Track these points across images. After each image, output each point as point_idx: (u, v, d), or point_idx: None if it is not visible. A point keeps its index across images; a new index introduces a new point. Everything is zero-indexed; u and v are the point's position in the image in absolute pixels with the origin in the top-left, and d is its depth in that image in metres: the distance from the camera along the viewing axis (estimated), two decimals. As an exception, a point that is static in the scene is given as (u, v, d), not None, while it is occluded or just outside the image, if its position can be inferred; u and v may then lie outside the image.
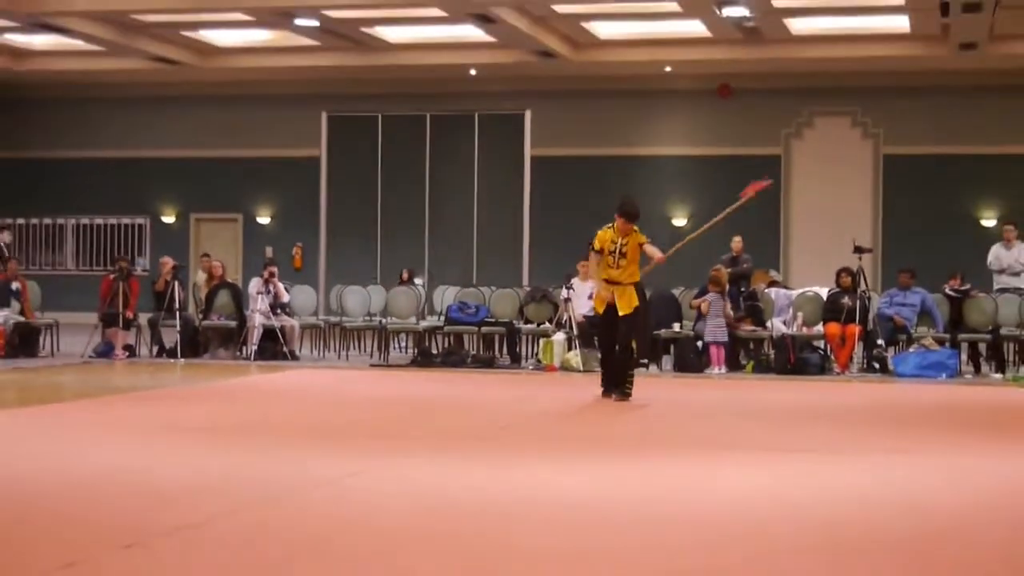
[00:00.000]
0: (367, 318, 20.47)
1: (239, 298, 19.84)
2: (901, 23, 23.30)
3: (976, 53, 23.58)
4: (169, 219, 29.48)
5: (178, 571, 5.68)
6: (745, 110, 26.78)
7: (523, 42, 24.05)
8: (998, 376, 17.38)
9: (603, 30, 24.62)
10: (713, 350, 17.57)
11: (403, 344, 21.31)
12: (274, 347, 18.88)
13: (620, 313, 13.11)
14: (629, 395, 12.97)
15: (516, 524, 6.75)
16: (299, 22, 23.57)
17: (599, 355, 15.45)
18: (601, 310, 13.43)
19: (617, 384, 13.07)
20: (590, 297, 17.99)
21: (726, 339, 17.63)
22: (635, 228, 13.29)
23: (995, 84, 25.54)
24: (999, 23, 22.20)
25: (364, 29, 24.57)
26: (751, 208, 26.21)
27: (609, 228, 13.36)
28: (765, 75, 26.06)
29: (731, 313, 17.79)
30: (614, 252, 13.22)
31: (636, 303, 13.14)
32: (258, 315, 18.91)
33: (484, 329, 19.07)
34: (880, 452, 9.77)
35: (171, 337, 19.01)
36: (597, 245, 13.39)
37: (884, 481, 8.34)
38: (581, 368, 17.02)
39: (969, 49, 23.35)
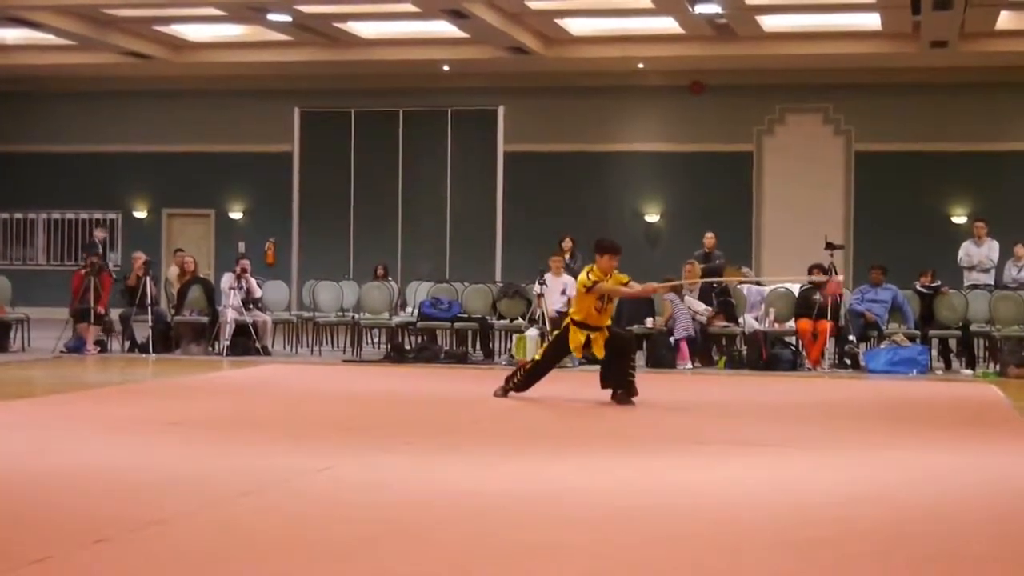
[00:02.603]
0: (340, 313, 20.43)
1: (211, 293, 19.79)
2: (872, 21, 23.37)
3: (947, 51, 23.67)
4: (141, 214, 29.38)
5: (149, 566, 5.67)
6: (717, 107, 26.83)
7: (496, 38, 24.05)
8: (968, 372, 17.44)
9: (576, 26, 24.63)
10: (682, 345, 17.57)
11: (376, 340, 21.28)
12: (246, 342, 18.84)
13: (601, 354, 12.75)
14: (628, 398, 12.61)
15: (490, 518, 6.75)
16: (272, 17, 23.52)
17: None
18: (579, 355, 13.23)
19: (625, 388, 12.67)
20: (563, 292, 18.04)
21: (692, 332, 17.64)
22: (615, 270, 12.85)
23: (966, 81, 25.64)
24: (969, 21, 22.30)
25: (337, 24, 24.53)
26: (722, 204, 26.45)
27: (591, 272, 12.73)
28: (737, 72, 26.12)
29: (689, 297, 17.77)
30: (602, 297, 12.67)
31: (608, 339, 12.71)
32: (230, 310, 18.87)
33: (457, 325, 19.06)
34: (851, 447, 9.81)
35: (143, 332, 18.97)
36: (589, 284, 12.69)
37: (855, 475, 8.38)
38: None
39: (940, 47, 23.44)
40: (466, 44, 25.15)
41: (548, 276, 18.30)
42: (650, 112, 27.57)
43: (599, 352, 12.76)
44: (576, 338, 12.74)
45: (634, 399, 12.54)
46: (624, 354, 12.73)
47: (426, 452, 9.15)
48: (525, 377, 13.05)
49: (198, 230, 29.04)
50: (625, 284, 12.84)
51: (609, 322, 12.92)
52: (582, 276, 12.83)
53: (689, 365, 17.49)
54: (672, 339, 17.75)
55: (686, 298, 17.95)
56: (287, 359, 18.77)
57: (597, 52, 25.46)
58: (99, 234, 22.31)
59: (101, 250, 20.42)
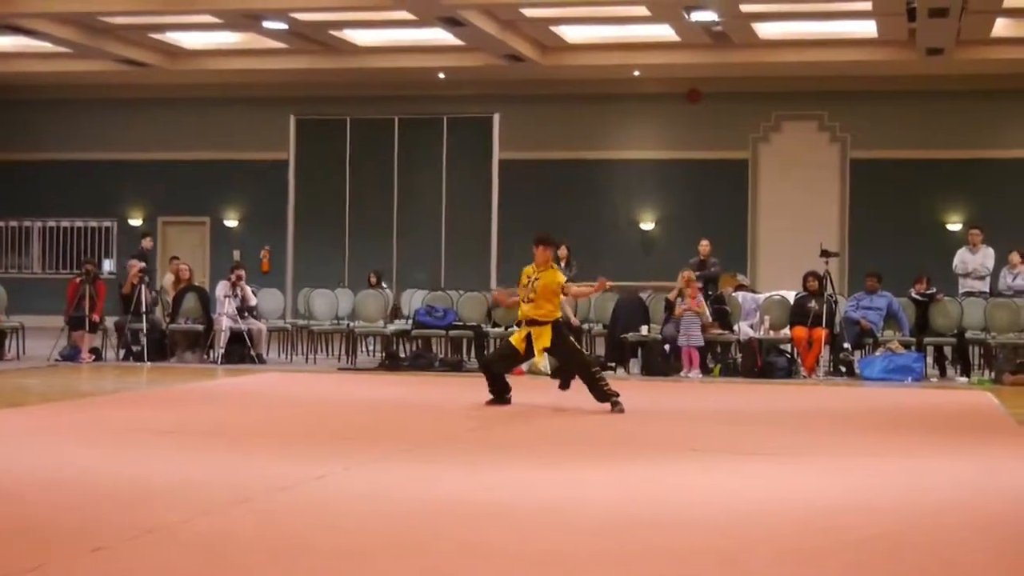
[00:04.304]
0: (335, 321, 20.44)
1: (206, 301, 19.78)
2: (868, 28, 23.39)
3: (943, 58, 23.70)
4: (136, 222, 29.35)
5: (145, 575, 5.66)
6: (713, 114, 26.84)
7: (492, 46, 24.06)
8: (963, 379, 17.43)
9: (572, 34, 24.64)
10: (686, 353, 17.50)
11: (371, 348, 21.28)
12: (241, 351, 18.82)
13: (539, 351, 12.76)
14: (618, 402, 12.56)
15: (486, 527, 6.75)
16: (267, 25, 23.51)
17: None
18: (521, 349, 12.88)
19: (599, 397, 12.64)
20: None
21: (701, 343, 17.62)
22: (553, 264, 12.83)
23: (961, 89, 25.67)
24: (965, 28, 22.31)
25: (332, 32, 24.53)
26: (718, 212, 26.45)
27: (529, 266, 12.93)
28: (733, 79, 26.13)
29: (706, 311, 17.75)
30: (527, 286, 12.70)
31: (550, 340, 12.65)
32: (225, 318, 18.86)
33: (452, 332, 19.06)
34: (847, 455, 9.80)
35: (138, 340, 18.96)
36: (519, 281, 12.97)
37: (851, 484, 8.37)
38: (549, 372, 17.00)
39: (936, 54, 23.46)
40: (462, 52, 25.17)
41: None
42: (646, 120, 27.58)
43: (538, 351, 12.77)
44: (519, 334, 12.85)
45: (619, 401, 12.54)
46: (583, 369, 12.80)
47: (422, 460, 9.15)
48: (484, 373, 13.20)
49: (193, 238, 29.03)
50: (561, 285, 12.78)
51: (552, 316, 12.75)
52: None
53: (697, 374, 17.42)
54: (667, 346, 17.74)
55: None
56: (282, 367, 18.76)
57: (593, 60, 25.47)
58: (146, 244, 22.23)
59: (145, 263, 20.38)
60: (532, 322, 12.73)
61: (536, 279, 12.72)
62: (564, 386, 13.20)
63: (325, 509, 7.19)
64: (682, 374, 17.42)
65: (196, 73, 27.07)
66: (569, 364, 12.99)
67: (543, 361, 17.04)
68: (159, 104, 28.89)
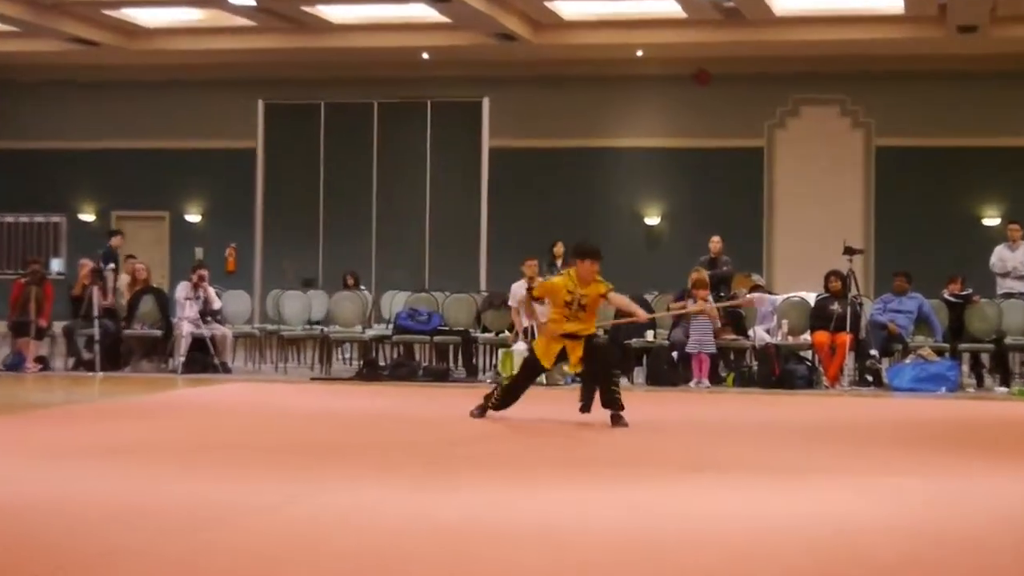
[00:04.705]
0: (307, 326, 20.40)
1: (165, 304, 19.73)
2: (894, 3, 23.38)
3: (976, 36, 23.68)
4: (88, 217, 29.30)
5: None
6: (724, 98, 26.81)
7: (480, 23, 24.02)
8: (1003, 389, 17.43)
9: (568, 10, 24.61)
10: (697, 360, 17.47)
11: (347, 355, 21.24)
12: (204, 359, 18.78)
13: (575, 364, 12.76)
14: (621, 416, 12.46)
15: (472, 553, 6.71)
16: (233, 1, 23.45)
17: (564, 368, 15.44)
18: (548, 364, 12.85)
19: (607, 400, 12.57)
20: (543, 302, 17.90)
21: (713, 349, 17.59)
22: (598, 277, 12.69)
23: (997, 70, 25.67)
24: (1002, 3, 22.32)
25: (305, 8, 24.48)
26: (730, 205, 26.43)
27: (563, 275, 12.82)
28: (746, 60, 26.10)
29: (715, 314, 17.72)
30: (571, 304, 12.58)
31: (585, 348, 12.60)
32: (186, 323, 18.81)
33: (437, 338, 19.02)
34: (872, 473, 9.76)
35: (90, 348, 18.89)
36: (540, 293, 12.91)
37: (875, 505, 8.33)
38: (544, 381, 16.96)
39: (969, 32, 23.44)
40: (447, 30, 25.13)
41: (518, 284, 18.13)
42: (650, 104, 27.56)
43: (573, 363, 12.75)
44: (548, 347, 12.69)
45: (623, 414, 12.44)
46: (604, 366, 12.69)
47: (403, 480, 9.09)
48: (502, 395, 13.00)
49: (151, 234, 28.96)
50: (604, 295, 12.68)
51: (592, 329, 12.81)
52: (550, 279, 12.84)
53: (703, 383, 17.39)
54: (675, 353, 17.69)
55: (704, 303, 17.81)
56: (249, 377, 18.72)
57: (591, 38, 25.45)
58: (116, 242, 22.19)
59: (114, 264, 20.30)
60: (572, 336, 12.66)
61: (583, 296, 12.58)
62: (585, 408, 13.01)
63: (295, 535, 7.13)
64: (692, 384, 17.38)
65: (155, 53, 27.01)
66: (605, 361, 12.86)
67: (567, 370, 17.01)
68: (114, 88, 28.82)
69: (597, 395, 12.72)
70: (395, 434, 12.21)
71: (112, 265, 19.96)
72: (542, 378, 16.50)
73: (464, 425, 12.64)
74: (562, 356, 12.74)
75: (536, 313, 13.35)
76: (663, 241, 27.11)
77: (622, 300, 13.13)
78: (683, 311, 17.61)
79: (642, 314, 13.44)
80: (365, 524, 7.51)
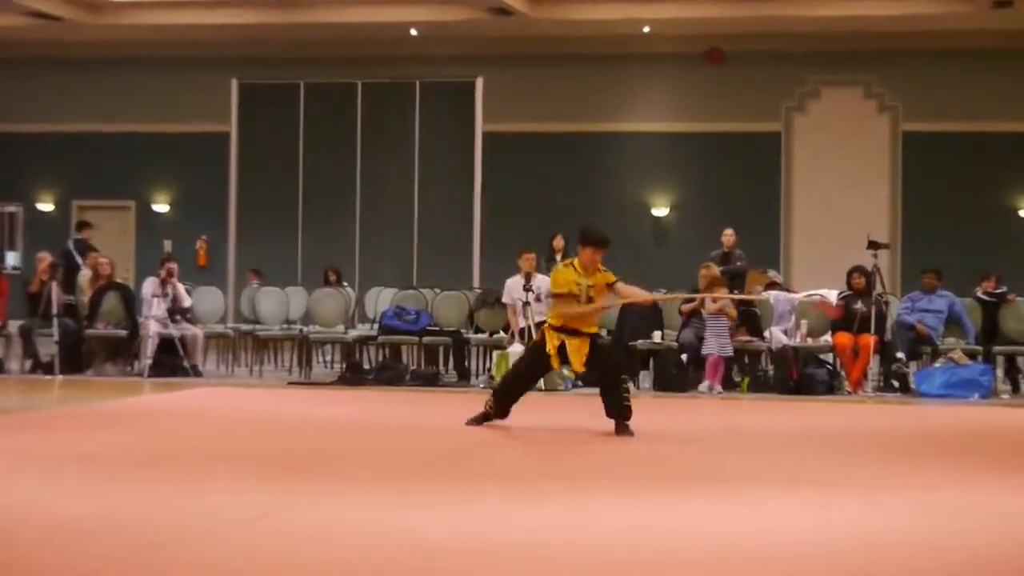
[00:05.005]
0: (285, 326, 20.40)
1: (130, 302, 19.72)
2: (924, -25, 23.38)
3: (1013, 11, 23.68)
4: (47, 206, 29.27)
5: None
6: (738, 79, 26.82)
7: (474, -4, 24.01)
8: (1040, 396, 17.46)
9: (569, -18, 24.61)
10: (711, 364, 17.40)
11: (328, 358, 21.25)
12: (172, 361, 18.79)
13: (578, 364, 12.71)
14: (626, 424, 12.44)
15: (461, 571, 6.67)
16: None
17: (566, 372, 15.44)
18: (556, 364, 12.80)
19: (613, 409, 12.49)
20: (539, 299, 17.86)
21: (731, 352, 17.54)
22: (601, 266, 12.65)
23: (1035, 48, 25.69)
24: (1040, -25, 22.32)
25: (283, -21, 24.48)
26: (744, 195, 26.43)
27: (566, 267, 12.73)
28: (762, 37, 26.10)
29: (735, 315, 17.67)
30: (579, 297, 12.52)
31: (589, 352, 12.57)
32: (153, 322, 18.80)
33: (426, 339, 19.01)
34: (899, 488, 9.74)
35: (48, 349, 18.87)
36: (563, 289, 12.65)
37: (901, 522, 8.31)
38: (542, 387, 16.96)
39: (1004, 7, 23.44)
40: (438, 4, 25.13)
41: (535, 280, 18.10)
42: (658, 85, 27.56)
43: (577, 364, 12.70)
44: (551, 344, 12.62)
45: (629, 423, 12.40)
46: (610, 374, 12.63)
47: (388, 495, 9.06)
48: (499, 396, 12.96)
49: (115, 225, 28.94)
50: (611, 284, 12.66)
51: (594, 329, 12.78)
52: (554, 273, 12.79)
53: (715, 388, 17.36)
54: (684, 356, 17.68)
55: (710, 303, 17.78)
56: (221, 381, 18.71)
57: (594, 13, 25.45)
58: (86, 235, 22.18)
59: (80, 258, 20.33)
60: (574, 332, 12.61)
61: (591, 287, 12.53)
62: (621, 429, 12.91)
63: (271, 554, 7.10)
64: (701, 388, 17.35)
65: (121, 29, 26.99)
66: (612, 369, 12.82)
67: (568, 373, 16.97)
68: (76, 66, 28.79)
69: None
70: (380, 443, 12.19)
71: (52, 258, 19.92)
72: (540, 383, 16.54)
73: (456, 434, 12.62)
74: (564, 356, 12.70)
75: (532, 312, 13.32)
76: (671, 234, 27.12)
77: (630, 290, 13.02)
78: (698, 304, 17.57)
79: (647, 296, 13.40)
80: (345, 540, 7.48)
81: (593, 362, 12.66)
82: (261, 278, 23.11)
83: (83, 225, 23.48)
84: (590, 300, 12.56)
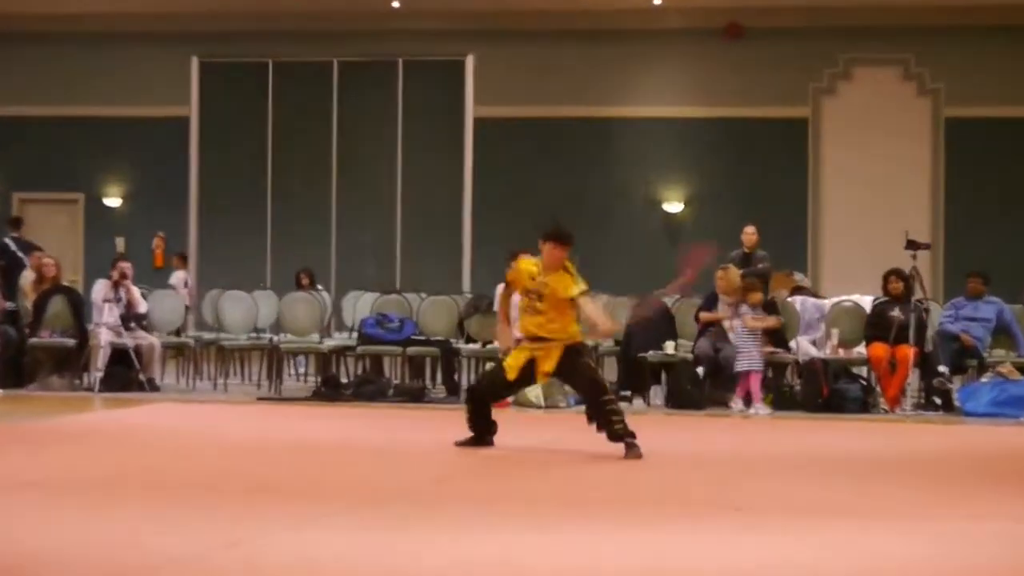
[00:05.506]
0: (253, 335, 20.41)
1: (79, 307, 19.73)
2: (969, -58, 23.44)
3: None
4: (-16, 200, 29.30)
5: None
6: (761, 57, 26.82)
7: (464, -36, 24.07)
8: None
9: (571, -51, 24.67)
10: (745, 380, 17.34)
11: (301, 370, 21.26)
12: (126, 373, 18.80)
13: (543, 375, 12.86)
14: (634, 445, 12.50)
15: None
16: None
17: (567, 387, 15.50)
18: (512, 375, 12.82)
19: (611, 435, 12.55)
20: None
21: (761, 366, 17.49)
22: (567, 264, 12.68)
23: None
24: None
25: (250, -55, 24.52)
26: (768, 188, 26.46)
27: (530, 259, 12.88)
28: (787, 10, 26.14)
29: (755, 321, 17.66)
30: (531, 292, 12.69)
31: (559, 359, 12.62)
32: (104, 330, 18.82)
33: (411, 350, 19.04)
34: (940, 516, 9.79)
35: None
36: (510, 278, 12.94)
37: (945, 553, 8.36)
38: (542, 403, 17.01)
39: (1060, -23, 23.50)
40: (423, -28, 25.15)
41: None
42: (671, 64, 27.58)
43: (541, 376, 12.84)
44: (517, 355, 12.75)
45: (636, 442, 12.44)
46: (595, 397, 12.66)
47: (370, 523, 9.11)
48: (472, 410, 13.08)
49: (61, 221, 28.95)
50: (573, 298, 12.59)
51: (567, 334, 12.71)
52: (517, 261, 12.89)
53: (759, 408, 17.36)
54: (700, 369, 17.69)
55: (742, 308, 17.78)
56: (181, 396, 18.74)
57: (599, -16, 25.50)
58: (19, 233, 22.27)
59: (22, 256, 20.40)
60: (536, 339, 12.67)
61: (544, 284, 12.62)
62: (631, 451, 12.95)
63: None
64: (733, 407, 17.29)
65: (64, 1, 26.97)
66: (582, 389, 12.92)
67: (536, 391, 17.03)
68: (16, 42, 28.77)
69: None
70: (360, 466, 12.23)
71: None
72: (540, 400, 16.61)
73: (445, 455, 12.66)
74: (526, 375, 12.76)
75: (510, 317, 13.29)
76: (686, 232, 27.10)
77: (591, 308, 12.82)
78: (720, 317, 17.64)
79: (609, 326, 13.37)
80: (321, 571, 7.52)
81: (564, 374, 12.76)
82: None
83: (16, 222, 23.44)
84: (540, 298, 12.61)
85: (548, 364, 12.64)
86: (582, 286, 12.61)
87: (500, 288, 13.96)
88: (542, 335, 12.63)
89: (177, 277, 24.05)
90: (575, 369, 12.79)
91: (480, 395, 13.17)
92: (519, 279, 12.82)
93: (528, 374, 12.82)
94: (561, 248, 12.63)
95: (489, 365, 17.92)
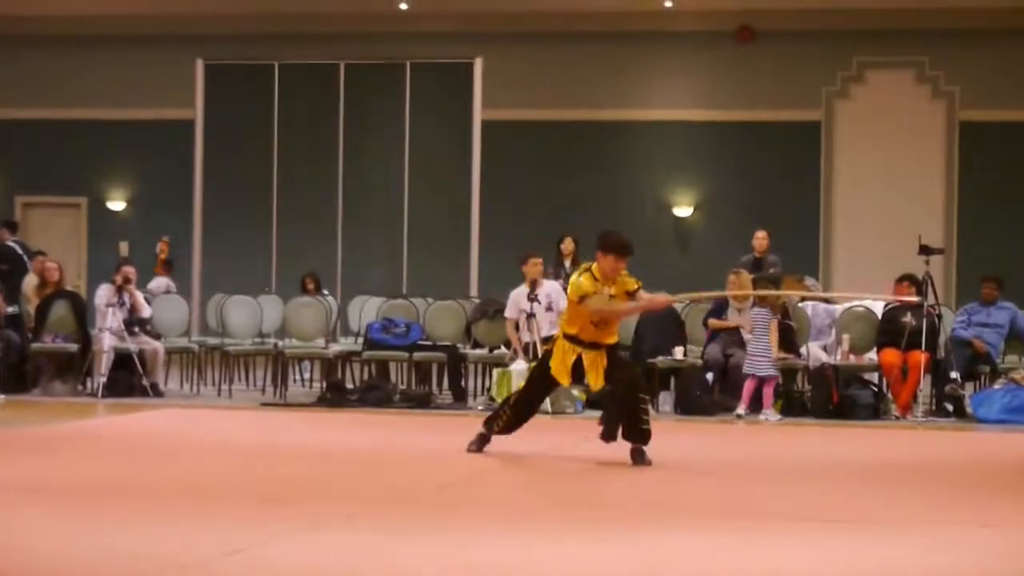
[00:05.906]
0: (258, 340, 20.41)
1: (82, 312, 19.73)
2: (984, -57, 23.42)
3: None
4: (-14, 204, 29.33)
5: None
6: (772, 60, 26.82)
7: (472, -34, 24.08)
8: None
9: (581, -50, 24.68)
10: (752, 387, 17.27)
11: (306, 375, 21.25)
12: (130, 379, 18.80)
13: (595, 382, 12.76)
14: (643, 451, 12.47)
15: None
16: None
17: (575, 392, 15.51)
18: (566, 381, 12.92)
19: (635, 435, 12.53)
20: (548, 308, 17.89)
21: (773, 372, 17.42)
22: (625, 273, 12.70)
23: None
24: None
25: (255, -54, 24.54)
26: (779, 193, 26.45)
27: (584, 275, 12.64)
28: (799, 13, 26.12)
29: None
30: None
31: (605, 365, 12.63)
32: (108, 335, 18.81)
33: (417, 355, 19.02)
34: (954, 525, 9.78)
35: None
36: (591, 290, 12.88)
37: (959, 563, 8.35)
38: (549, 410, 17.00)
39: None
40: (431, -27, 25.17)
41: (542, 288, 18.12)
42: (681, 68, 27.57)
43: (594, 380, 12.72)
44: (563, 358, 12.67)
45: (646, 449, 12.45)
46: (630, 392, 12.68)
47: (376, 530, 9.11)
48: (509, 417, 13.01)
49: (64, 224, 28.97)
50: (633, 293, 12.73)
51: (614, 339, 12.83)
52: (575, 278, 12.79)
53: (771, 414, 17.30)
54: (710, 374, 17.69)
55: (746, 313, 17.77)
56: (185, 401, 18.73)
57: (609, -14, 25.50)
58: (5, 235, 22.30)
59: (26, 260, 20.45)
60: (593, 345, 12.66)
61: (613, 296, 12.57)
62: (609, 436, 12.99)
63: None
64: (739, 413, 17.26)
65: (69, 2, 26.99)
66: (633, 386, 12.87)
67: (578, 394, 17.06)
68: (19, 45, 28.79)
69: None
70: (365, 472, 12.22)
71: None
72: (546, 406, 16.59)
73: (451, 462, 12.65)
74: (578, 373, 12.75)
75: (538, 324, 13.34)
76: (696, 237, 27.13)
77: (650, 297, 13.09)
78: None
79: (647, 303, 13.42)
80: (327, 581, 7.54)
81: (610, 376, 12.71)
82: (170, 272, 23.02)
83: (11, 226, 23.44)
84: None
85: (599, 367, 12.59)
86: (638, 282, 12.71)
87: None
88: (600, 341, 12.63)
89: (158, 283, 23.98)
90: (619, 363, 12.86)
91: (528, 410, 13.15)
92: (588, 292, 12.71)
93: (578, 376, 12.83)
94: (623, 261, 12.63)
95: (496, 370, 17.94)
